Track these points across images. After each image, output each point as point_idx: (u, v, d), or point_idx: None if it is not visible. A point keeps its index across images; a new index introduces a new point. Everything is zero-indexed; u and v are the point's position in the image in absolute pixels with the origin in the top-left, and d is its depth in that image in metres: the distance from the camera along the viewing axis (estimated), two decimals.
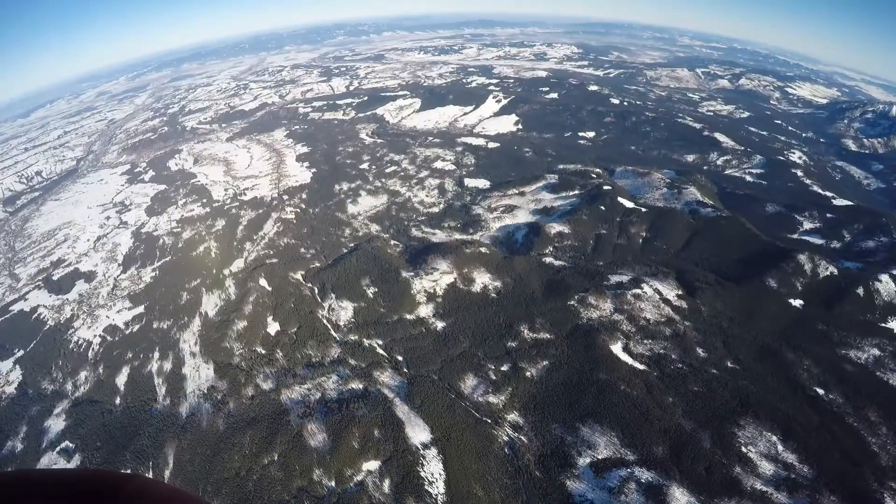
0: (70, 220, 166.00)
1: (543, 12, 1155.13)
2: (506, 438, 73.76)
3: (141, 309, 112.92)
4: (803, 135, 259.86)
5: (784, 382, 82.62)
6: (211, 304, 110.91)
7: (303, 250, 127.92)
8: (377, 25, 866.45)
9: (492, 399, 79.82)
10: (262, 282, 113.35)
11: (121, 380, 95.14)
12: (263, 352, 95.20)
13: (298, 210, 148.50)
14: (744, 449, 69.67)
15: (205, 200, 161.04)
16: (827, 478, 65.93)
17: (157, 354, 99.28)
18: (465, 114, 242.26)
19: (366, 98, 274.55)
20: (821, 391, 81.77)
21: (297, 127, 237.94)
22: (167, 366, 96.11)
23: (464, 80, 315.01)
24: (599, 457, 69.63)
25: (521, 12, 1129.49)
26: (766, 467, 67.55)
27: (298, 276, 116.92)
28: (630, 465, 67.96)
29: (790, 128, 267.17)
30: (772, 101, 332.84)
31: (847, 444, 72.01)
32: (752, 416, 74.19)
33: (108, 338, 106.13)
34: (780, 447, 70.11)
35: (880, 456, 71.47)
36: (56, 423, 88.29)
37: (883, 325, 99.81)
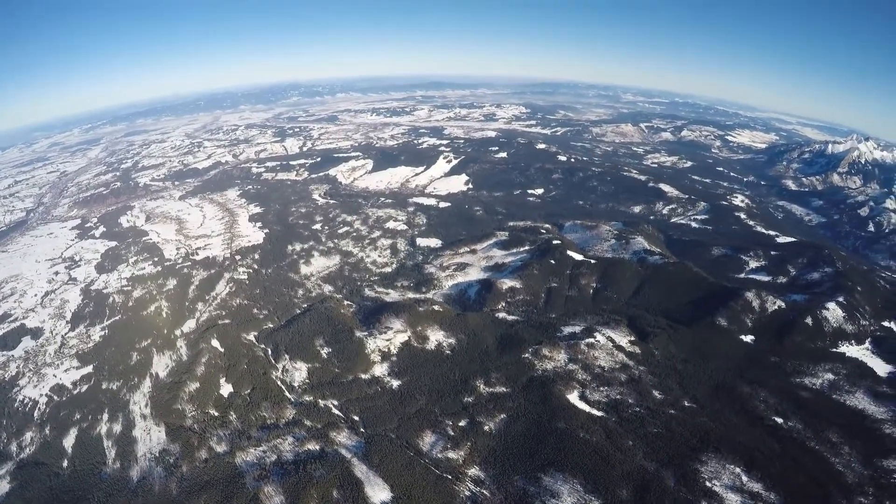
0: (17, 274, 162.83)
1: (492, 74, 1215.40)
2: (468, 493, 75.20)
3: (89, 368, 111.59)
4: (745, 179, 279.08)
5: (742, 415, 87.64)
6: (162, 364, 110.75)
7: (255, 311, 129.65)
8: (331, 87, 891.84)
9: (451, 455, 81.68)
10: (215, 343, 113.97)
11: (68, 441, 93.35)
12: (216, 414, 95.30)
13: (251, 270, 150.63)
14: (708, 483, 73.09)
15: (156, 259, 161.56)
16: (794, 502, 69.96)
17: (106, 416, 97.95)
18: (417, 174, 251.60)
19: (319, 159, 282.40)
20: (779, 420, 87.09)
21: (251, 187, 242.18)
22: (117, 428, 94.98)
23: (415, 141, 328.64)
24: None
25: (471, 74, 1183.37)
26: (733, 498, 70.99)
27: (251, 336, 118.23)
28: None
29: (732, 173, 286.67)
30: (713, 150, 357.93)
31: (810, 467, 76.74)
32: (713, 451, 78.16)
33: (56, 397, 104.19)
34: (744, 478, 73.93)
35: (845, 474, 76.41)
36: (0, 486, 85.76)
37: (834, 349, 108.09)
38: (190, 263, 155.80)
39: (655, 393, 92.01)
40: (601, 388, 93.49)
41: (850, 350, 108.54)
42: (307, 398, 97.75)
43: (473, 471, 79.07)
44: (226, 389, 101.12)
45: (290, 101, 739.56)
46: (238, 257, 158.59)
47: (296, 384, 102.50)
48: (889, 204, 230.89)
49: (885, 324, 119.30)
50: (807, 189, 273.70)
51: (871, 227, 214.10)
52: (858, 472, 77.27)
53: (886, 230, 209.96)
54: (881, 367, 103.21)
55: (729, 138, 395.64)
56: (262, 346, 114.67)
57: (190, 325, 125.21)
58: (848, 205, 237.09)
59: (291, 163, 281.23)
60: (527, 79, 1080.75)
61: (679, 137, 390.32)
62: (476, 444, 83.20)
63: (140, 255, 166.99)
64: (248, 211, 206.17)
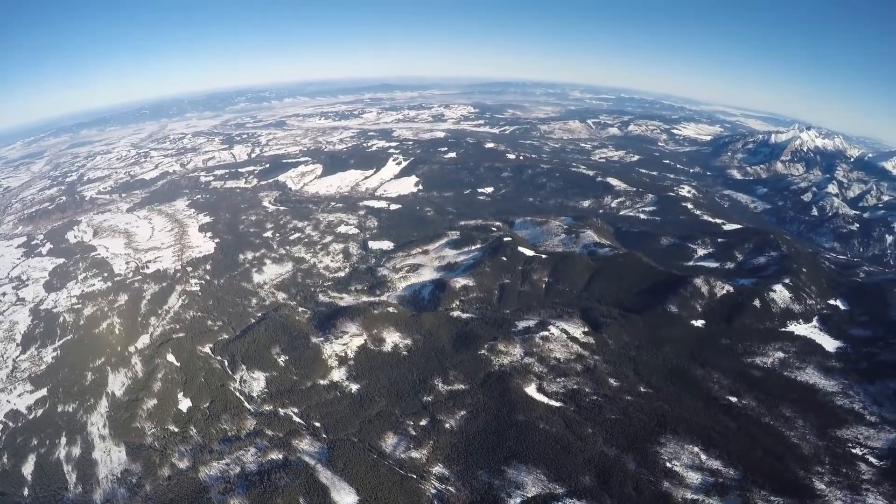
0: None
1: (441, 75, 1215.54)
2: (433, 491, 77.03)
3: (44, 392, 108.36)
4: (691, 170, 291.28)
5: (697, 397, 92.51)
6: (118, 383, 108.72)
7: (210, 323, 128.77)
8: (279, 92, 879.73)
9: (414, 454, 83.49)
10: (170, 357, 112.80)
11: (27, 469, 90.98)
12: (176, 429, 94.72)
13: (203, 281, 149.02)
14: (669, 464, 77.04)
15: (106, 274, 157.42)
16: (754, 476, 74.23)
17: (64, 440, 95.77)
18: (367, 177, 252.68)
19: (268, 165, 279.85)
20: (734, 399, 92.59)
21: (200, 196, 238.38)
22: (76, 451, 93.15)
23: (364, 145, 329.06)
24: (529, 495, 74.17)
25: (419, 76, 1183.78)
26: (694, 477, 75.02)
27: (207, 349, 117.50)
28: (560, 499, 72.86)
29: (678, 165, 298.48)
30: (660, 143, 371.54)
31: (767, 441, 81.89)
32: (671, 433, 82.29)
33: (11, 424, 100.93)
34: (703, 456, 78.17)
35: (801, 446, 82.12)
36: None
37: (783, 329, 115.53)
38: (140, 277, 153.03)
39: (611, 381, 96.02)
40: (558, 380, 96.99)
41: (799, 329, 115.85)
42: (267, 407, 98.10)
43: (437, 468, 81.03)
44: (184, 404, 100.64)
45: (238, 107, 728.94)
46: (189, 269, 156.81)
47: (255, 394, 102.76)
48: (831, 189, 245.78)
49: (831, 302, 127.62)
50: (751, 178, 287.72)
51: (815, 212, 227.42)
52: (814, 443, 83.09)
53: (829, 214, 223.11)
54: (829, 343, 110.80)
55: (675, 132, 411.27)
56: (219, 357, 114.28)
57: (144, 340, 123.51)
58: (791, 191, 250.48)
59: (240, 170, 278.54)
60: (475, 79, 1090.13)
61: (626, 132, 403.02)
62: (438, 442, 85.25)
63: (89, 271, 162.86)
64: (198, 221, 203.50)
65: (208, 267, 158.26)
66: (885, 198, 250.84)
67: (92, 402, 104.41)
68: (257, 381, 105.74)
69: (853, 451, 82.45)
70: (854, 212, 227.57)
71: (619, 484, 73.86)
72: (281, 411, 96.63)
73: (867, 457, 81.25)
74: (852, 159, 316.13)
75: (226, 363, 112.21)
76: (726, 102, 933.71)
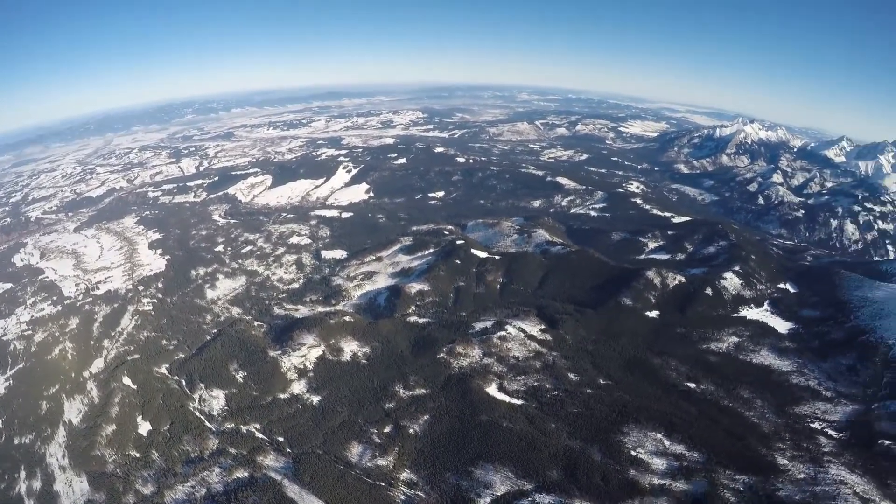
0: None
1: (389, 81, 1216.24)
2: (403, 498, 76.74)
3: None
4: (639, 166, 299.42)
5: (656, 385, 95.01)
6: (74, 410, 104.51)
7: (164, 342, 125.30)
8: (226, 102, 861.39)
9: (381, 462, 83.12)
10: (126, 380, 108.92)
11: None
12: (138, 454, 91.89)
13: (156, 300, 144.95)
14: (633, 452, 78.56)
15: (55, 298, 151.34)
16: (717, 457, 76.40)
17: (23, 473, 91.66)
18: (317, 186, 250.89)
19: (217, 178, 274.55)
20: (692, 385, 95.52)
21: (148, 212, 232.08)
22: (36, 484, 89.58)
23: (314, 153, 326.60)
24: (498, 493, 74.60)
25: (367, 82, 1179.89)
26: (659, 463, 76.72)
27: (163, 369, 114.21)
28: (529, 494, 73.53)
29: (626, 162, 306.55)
30: (607, 142, 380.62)
31: (727, 423, 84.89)
32: (633, 421, 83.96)
33: None
34: (666, 442, 80.00)
35: (761, 425, 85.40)
36: None
37: (735, 315, 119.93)
38: (91, 299, 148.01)
39: (571, 375, 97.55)
40: (518, 378, 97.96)
41: (751, 313, 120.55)
42: (229, 425, 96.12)
43: (405, 474, 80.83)
44: (144, 428, 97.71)
45: (185, 119, 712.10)
46: (141, 288, 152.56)
47: (215, 413, 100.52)
48: (776, 178, 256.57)
49: (781, 286, 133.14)
50: (698, 171, 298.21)
51: (761, 201, 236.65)
52: (773, 421, 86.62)
53: (775, 202, 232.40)
54: (781, 325, 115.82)
55: (622, 129, 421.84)
56: (176, 377, 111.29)
57: (98, 364, 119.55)
58: (738, 182, 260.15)
59: (189, 184, 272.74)
60: (423, 83, 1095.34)
61: (574, 132, 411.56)
62: (404, 448, 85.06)
63: (38, 295, 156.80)
64: (148, 238, 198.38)
65: (160, 285, 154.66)
66: (829, 184, 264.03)
67: (49, 431, 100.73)
68: (217, 400, 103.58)
69: (812, 425, 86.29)
70: (799, 199, 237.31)
71: (587, 475, 74.88)
72: (243, 428, 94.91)
73: (826, 430, 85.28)
74: (795, 149, 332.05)
75: (183, 383, 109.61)
76: (672, 99, 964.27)
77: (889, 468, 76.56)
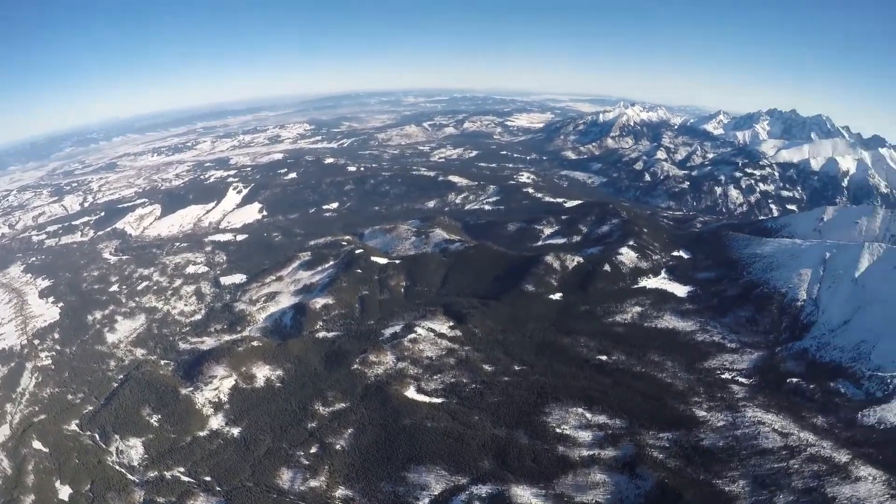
0: None
1: (274, 94, 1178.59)
2: None
3: None
4: (528, 157, 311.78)
5: (570, 363, 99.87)
6: None
7: (70, 396, 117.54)
8: (107, 131, 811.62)
9: (313, 483, 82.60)
10: (37, 444, 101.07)
11: None
12: None
13: (54, 353, 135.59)
14: (558, 430, 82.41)
15: None
16: (639, 420, 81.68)
17: None
18: (209, 211, 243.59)
19: (103, 213, 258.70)
20: (604, 357, 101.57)
21: (34, 258, 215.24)
22: None
23: (202, 177, 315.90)
24: (436, 492, 76.13)
25: (251, 98, 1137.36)
26: (584, 435, 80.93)
27: (74, 426, 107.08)
28: (466, 488, 75.41)
29: (515, 155, 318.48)
30: (495, 136, 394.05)
31: (642, 387, 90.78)
32: (553, 401, 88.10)
33: None
34: (588, 415, 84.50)
35: (675, 384, 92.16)
36: None
37: (635, 286, 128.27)
38: None
39: (486, 367, 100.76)
40: (435, 377, 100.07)
41: (650, 283, 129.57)
42: (152, 474, 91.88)
43: (340, 491, 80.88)
44: (64, 492, 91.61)
45: (65, 152, 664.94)
46: (37, 341, 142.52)
47: (135, 463, 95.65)
48: (660, 155, 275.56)
49: (675, 254, 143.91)
50: (586, 156, 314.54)
51: (648, 178, 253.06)
52: (685, 378, 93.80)
53: (661, 177, 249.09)
54: (680, 290, 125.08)
55: (508, 123, 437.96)
56: (88, 432, 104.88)
57: (4, 431, 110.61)
58: (624, 163, 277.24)
59: (75, 222, 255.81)
60: (309, 95, 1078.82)
61: (462, 130, 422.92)
62: (334, 466, 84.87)
63: None
64: (37, 286, 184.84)
65: (56, 335, 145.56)
66: (710, 155, 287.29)
67: None
68: (135, 449, 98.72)
69: (723, 376, 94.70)
70: (683, 172, 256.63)
71: (518, 460, 77.87)
72: (167, 474, 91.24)
73: (737, 378, 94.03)
74: (676, 126, 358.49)
75: (97, 437, 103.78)
76: (555, 90, 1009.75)
77: (801, 403, 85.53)
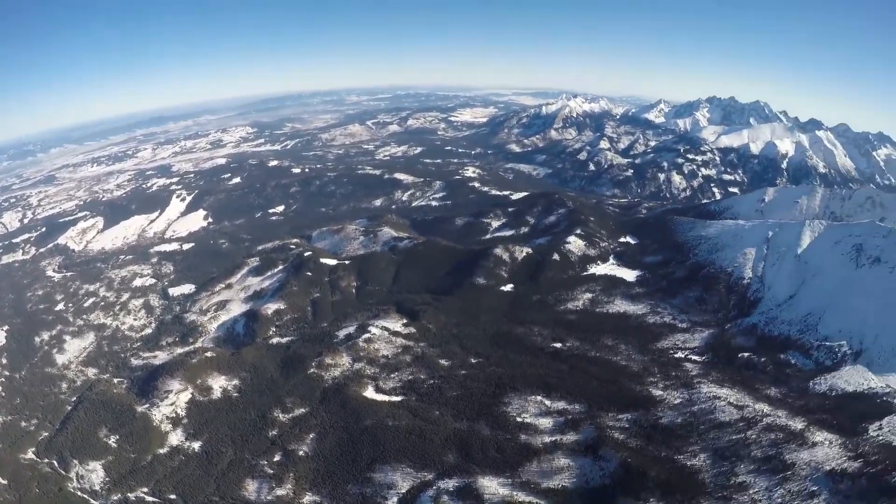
0: None
1: (214, 98, 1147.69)
2: None
3: None
4: (473, 152, 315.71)
5: (525, 353, 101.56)
6: None
7: (24, 424, 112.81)
8: (43, 142, 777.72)
9: (280, 492, 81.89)
10: None
11: None
12: None
13: (3, 379, 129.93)
14: (519, 419, 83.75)
15: None
16: (598, 403, 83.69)
17: None
18: (152, 221, 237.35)
19: (44, 229, 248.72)
20: (558, 345, 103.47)
21: None
22: None
23: (144, 186, 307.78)
24: (403, 490, 76.25)
25: (192, 102, 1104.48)
26: (545, 422, 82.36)
27: (30, 454, 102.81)
28: (433, 483, 75.75)
29: (460, 150, 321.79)
30: (439, 132, 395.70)
31: (598, 371, 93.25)
32: (512, 390, 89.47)
33: None
34: (547, 402, 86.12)
35: (630, 366, 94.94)
36: None
37: (585, 273, 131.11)
38: None
39: (442, 361, 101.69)
40: (392, 375, 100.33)
41: (599, 269, 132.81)
42: (115, 497, 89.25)
43: (307, 498, 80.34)
44: None
45: (1, 167, 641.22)
46: None
47: (97, 487, 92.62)
48: (603, 145, 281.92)
49: (622, 240, 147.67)
50: (530, 149, 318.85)
51: (592, 167, 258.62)
52: (640, 359, 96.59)
53: (605, 166, 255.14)
54: (629, 274, 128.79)
55: (452, 119, 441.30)
56: (46, 460, 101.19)
57: None
58: (568, 154, 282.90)
59: (14, 240, 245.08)
60: (250, 97, 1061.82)
61: (406, 127, 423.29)
62: (299, 472, 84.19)
63: None
64: None
65: (4, 360, 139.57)
66: (652, 143, 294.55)
67: None
68: (95, 473, 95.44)
69: (676, 356, 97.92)
70: (627, 160, 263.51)
71: (482, 451, 78.74)
72: (131, 496, 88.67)
73: (690, 357, 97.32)
74: (618, 116, 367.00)
75: (56, 464, 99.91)
76: (498, 84, 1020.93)
77: (754, 376, 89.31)
